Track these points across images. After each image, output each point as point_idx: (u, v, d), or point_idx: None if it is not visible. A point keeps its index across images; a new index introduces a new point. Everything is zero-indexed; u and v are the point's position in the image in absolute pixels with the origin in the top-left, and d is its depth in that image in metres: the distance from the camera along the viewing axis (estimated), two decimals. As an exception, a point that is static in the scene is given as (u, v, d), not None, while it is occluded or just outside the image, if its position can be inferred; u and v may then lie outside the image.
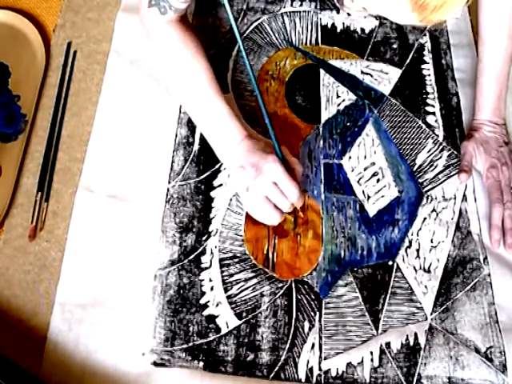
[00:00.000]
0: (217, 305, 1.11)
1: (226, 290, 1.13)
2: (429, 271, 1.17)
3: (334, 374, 1.06)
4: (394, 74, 1.43)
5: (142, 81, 1.36)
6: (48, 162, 1.24)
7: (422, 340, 1.09)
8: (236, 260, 1.16)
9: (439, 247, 1.19)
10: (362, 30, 1.50)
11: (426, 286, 1.15)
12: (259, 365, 1.06)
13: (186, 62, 1.20)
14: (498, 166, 1.25)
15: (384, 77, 1.42)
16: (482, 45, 1.29)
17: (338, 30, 1.49)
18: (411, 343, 1.09)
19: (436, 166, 1.29)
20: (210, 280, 1.14)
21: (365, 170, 1.28)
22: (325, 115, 1.35)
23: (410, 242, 1.19)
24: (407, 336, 1.10)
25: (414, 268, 1.17)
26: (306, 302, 1.12)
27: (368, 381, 1.06)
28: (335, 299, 1.13)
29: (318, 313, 1.11)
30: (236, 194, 1.22)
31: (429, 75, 1.43)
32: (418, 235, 1.20)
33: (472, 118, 1.34)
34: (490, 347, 1.09)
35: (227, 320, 1.10)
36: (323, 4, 1.53)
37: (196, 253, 1.16)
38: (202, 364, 1.06)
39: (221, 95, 1.19)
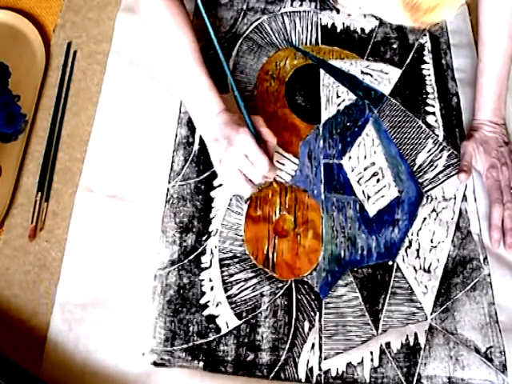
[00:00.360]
0: (217, 305, 1.11)
1: (226, 290, 1.13)
2: (429, 271, 1.17)
3: (334, 373, 1.06)
4: (394, 73, 1.43)
5: (142, 81, 1.36)
6: (48, 162, 1.24)
7: (422, 340, 1.09)
8: (236, 260, 1.16)
9: (439, 247, 1.19)
10: (362, 29, 1.50)
11: (425, 286, 1.15)
12: (259, 365, 1.06)
13: (171, 31, 1.21)
14: (497, 166, 1.25)
15: (384, 77, 1.42)
16: (481, 45, 1.29)
17: (338, 30, 1.49)
18: (411, 343, 1.09)
19: (436, 166, 1.29)
20: (210, 280, 1.14)
21: (365, 169, 1.28)
22: (325, 115, 1.35)
23: (410, 242, 1.19)
24: (407, 336, 1.10)
25: (414, 268, 1.17)
26: (306, 301, 1.12)
27: (368, 381, 1.06)
28: (335, 299, 1.13)
29: (317, 313, 1.11)
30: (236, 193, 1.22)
31: (429, 75, 1.43)
32: (417, 235, 1.20)
33: (472, 117, 1.34)
34: (490, 347, 1.09)
35: (227, 320, 1.10)
36: (323, 4, 1.53)
37: (196, 253, 1.16)
38: (201, 364, 1.06)
39: (203, 66, 1.19)
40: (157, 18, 1.22)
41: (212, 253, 1.16)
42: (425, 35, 1.50)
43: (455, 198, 1.25)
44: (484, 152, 1.27)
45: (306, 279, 1.15)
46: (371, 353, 1.08)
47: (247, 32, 1.47)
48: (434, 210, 1.24)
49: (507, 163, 1.26)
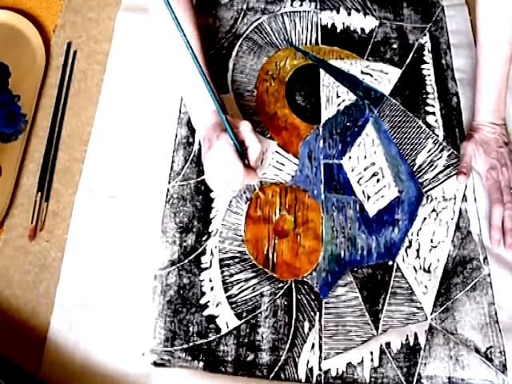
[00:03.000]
0: (217, 305, 1.11)
1: (226, 290, 1.13)
2: (429, 271, 1.16)
3: (333, 373, 1.06)
4: (394, 73, 1.43)
5: (142, 81, 1.36)
6: (48, 162, 1.24)
7: (421, 340, 1.09)
8: (236, 260, 1.16)
9: (439, 247, 1.19)
10: (362, 29, 1.50)
11: (426, 286, 1.15)
12: (259, 365, 1.06)
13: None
14: (497, 166, 1.25)
15: (384, 77, 1.42)
16: (479, 48, 1.28)
17: (338, 30, 1.49)
18: (411, 343, 1.09)
19: (436, 166, 1.29)
20: (210, 280, 1.14)
21: (365, 170, 1.28)
22: (325, 115, 1.35)
23: (410, 242, 1.19)
24: (407, 336, 1.09)
25: (414, 268, 1.17)
26: (305, 302, 1.12)
27: (368, 381, 1.06)
28: (335, 299, 1.13)
29: (317, 313, 1.11)
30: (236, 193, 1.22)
31: (429, 75, 1.43)
32: (417, 235, 1.20)
33: (472, 118, 1.34)
34: (490, 347, 1.09)
35: (227, 320, 1.10)
36: (323, 4, 1.53)
37: (196, 253, 1.16)
38: (202, 364, 1.06)
39: (204, 65, 1.18)
40: (163, 12, 1.22)
41: (212, 253, 1.16)
42: (425, 35, 1.50)
43: (455, 198, 1.25)
44: (484, 153, 1.27)
45: (305, 279, 1.15)
46: (371, 353, 1.08)
47: (247, 32, 1.47)
48: (433, 210, 1.24)
49: (507, 164, 1.26)
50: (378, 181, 1.26)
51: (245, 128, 1.11)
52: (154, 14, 1.24)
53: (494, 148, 1.28)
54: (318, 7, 1.53)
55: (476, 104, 1.31)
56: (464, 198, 1.25)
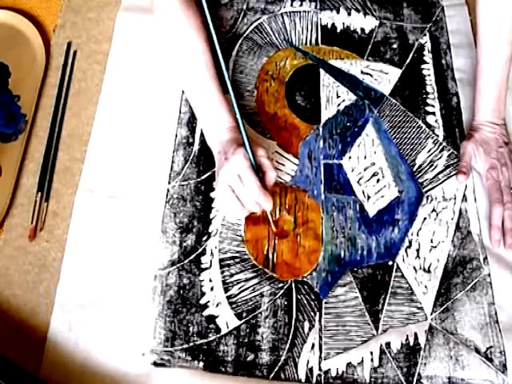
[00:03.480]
0: (217, 305, 1.11)
1: (226, 291, 1.13)
2: (429, 271, 1.16)
3: (333, 374, 1.06)
4: (394, 73, 1.43)
5: (141, 81, 1.36)
6: (48, 162, 1.24)
7: (422, 340, 1.09)
8: (236, 260, 1.16)
9: (439, 247, 1.19)
10: (362, 29, 1.50)
11: (426, 286, 1.15)
12: (259, 365, 1.06)
13: (186, 37, 1.23)
14: (497, 166, 1.25)
15: (384, 77, 1.42)
16: (479, 47, 1.28)
17: (338, 30, 1.49)
18: (411, 343, 1.09)
19: (436, 166, 1.29)
20: (210, 280, 1.14)
21: (365, 170, 1.28)
22: (325, 115, 1.35)
23: (410, 242, 1.19)
24: (407, 336, 1.09)
25: (414, 268, 1.16)
26: (305, 302, 1.12)
27: (368, 381, 1.05)
28: (335, 299, 1.13)
29: (317, 313, 1.11)
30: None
31: (429, 75, 1.43)
32: (418, 235, 1.20)
33: (472, 118, 1.34)
34: (490, 347, 1.09)
35: (227, 320, 1.10)
36: (323, 4, 1.53)
37: (196, 253, 1.16)
38: (201, 364, 1.06)
39: (216, 81, 1.21)
40: (172, 21, 1.23)
41: (212, 253, 1.16)
42: (425, 35, 1.50)
43: (455, 198, 1.25)
44: (484, 153, 1.27)
45: (305, 279, 1.15)
46: (371, 353, 1.08)
47: (247, 32, 1.47)
48: (433, 210, 1.23)
49: (507, 164, 1.25)
50: (378, 181, 1.26)
51: (262, 154, 1.12)
52: (160, 18, 1.24)
53: (494, 148, 1.27)
54: (318, 7, 1.53)
55: (476, 104, 1.31)
56: (464, 198, 1.25)
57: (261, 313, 1.11)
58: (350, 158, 1.29)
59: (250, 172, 1.07)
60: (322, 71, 1.42)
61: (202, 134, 1.28)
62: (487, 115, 1.29)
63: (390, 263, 1.17)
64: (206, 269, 1.15)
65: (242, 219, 1.19)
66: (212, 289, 1.13)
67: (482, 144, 1.27)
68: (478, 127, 1.30)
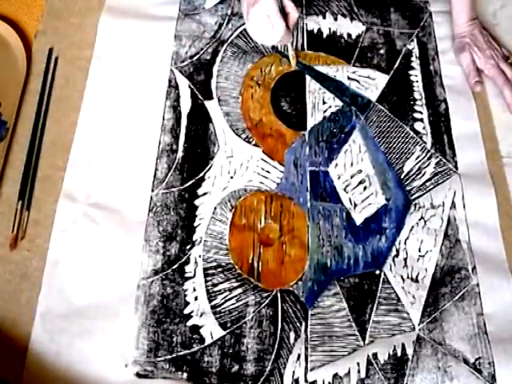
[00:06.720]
0: (201, 315, 1.10)
1: (210, 300, 1.12)
2: (417, 281, 1.16)
3: (320, 385, 1.05)
4: (381, 80, 1.42)
5: (124, 87, 1.35)
6: (29, 170, 1.23)
7: (409, 351, 1.08)
8: (220, 269, 1.15)
9: (427, 256, 1.18)
10: (349, 35, 1.49)
11: (413, 296, 1.14)
12: (244, 376, 1.05)
13: None
14: (492, 54, 1.41)
15: (371, 83, 1.41)
16: None
17: (324, 36, 1.49)
18: (399, 354, 1.08)
19: (424, 174, 1.28)
20: (194, 290, 1.12)
21: (351, 177, 1.27)
22: (311, 122, 1.34)
23: (398, 251, 1.18)
24: (394, 347, 1.08)
25: (402, 277, 1.16)
26: (291, 311, 1.11)
27: (355, 392, 1.05)
28: (321, 309, 1.12)
29: (303, 323, 1.10)
30: (220, 201, 1.21)
31: (416, 81, 1.43)
32: (405, 244, 1.19)
33: (453, 26, 1.48)
34: (479, 358, 1.08)
35: (211, 330, 1.09)
36: (309, 9, 1.53)
37: (180, 262, 1.15)
38: (185, 375, 1.05)
39: None
40: None
41: (196, 262, 1.15)
42: (412, 41, 1.49)
43: (443, 205, 1.24)
44: (479, 51, 1.40)
45: (291, 289, 1.13)
46: (358, 364, 1.07)
47: (232, 38, 1.46)
48: (421, 217, 1.23)
49: (496, 48, 1.44)
50: (364, 188, 1.25)
51: None
52: None
53: (483, 40, 1.43)
54: (304, 12, 1.52)
55: (454, 9, 1.47)
56: (453, 205, 1.24)
57: (246, 323, 1.10)
58: (336, 165, 1.28)
59: (276, 13, 1.21)
60: (307, 77, 1.41)
61: (185, 141, 1.27)
62: (469, 14, 1.45)
63: (377, 272, 1.16)
64: (190, 278, 1.14)
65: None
66: (196, 298, 1.12)
67: (475, 43, 1.42)
68: (464, 30, 1.45)
